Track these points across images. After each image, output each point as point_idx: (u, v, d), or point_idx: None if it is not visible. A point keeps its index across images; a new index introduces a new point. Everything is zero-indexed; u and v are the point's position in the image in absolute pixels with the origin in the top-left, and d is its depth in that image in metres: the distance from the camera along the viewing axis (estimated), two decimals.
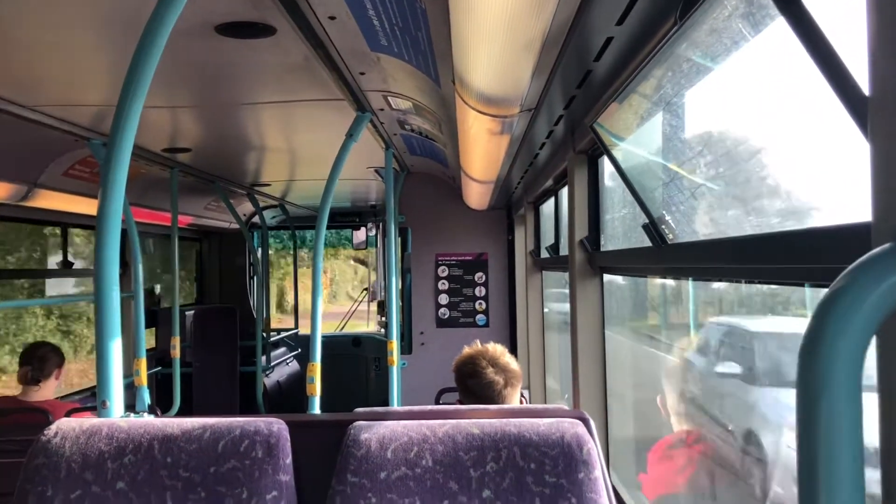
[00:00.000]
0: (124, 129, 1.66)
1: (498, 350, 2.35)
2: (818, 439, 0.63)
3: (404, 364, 6.20)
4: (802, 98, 1.32)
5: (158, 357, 6.37)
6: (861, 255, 0.67)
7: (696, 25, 1.44)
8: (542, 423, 1.52)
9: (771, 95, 1.59)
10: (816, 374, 0.64)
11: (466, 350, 2.38)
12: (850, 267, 0.66)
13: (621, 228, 2.95)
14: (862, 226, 0.89)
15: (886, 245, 0.68)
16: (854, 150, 0.90)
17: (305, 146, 4.53)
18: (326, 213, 3.33)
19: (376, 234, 7.84)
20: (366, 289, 9.41)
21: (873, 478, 0.76)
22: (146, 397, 4.14)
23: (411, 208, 6.32)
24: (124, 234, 5.08)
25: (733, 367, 2.65)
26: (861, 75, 0.89)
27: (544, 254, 5.08)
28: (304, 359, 5.45)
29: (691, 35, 1.51)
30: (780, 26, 1.10)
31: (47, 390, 3.66)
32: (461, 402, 2.32)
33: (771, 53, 1.42)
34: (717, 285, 2.57)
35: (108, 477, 1.48)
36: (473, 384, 2.26)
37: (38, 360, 3.61)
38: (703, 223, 2.05)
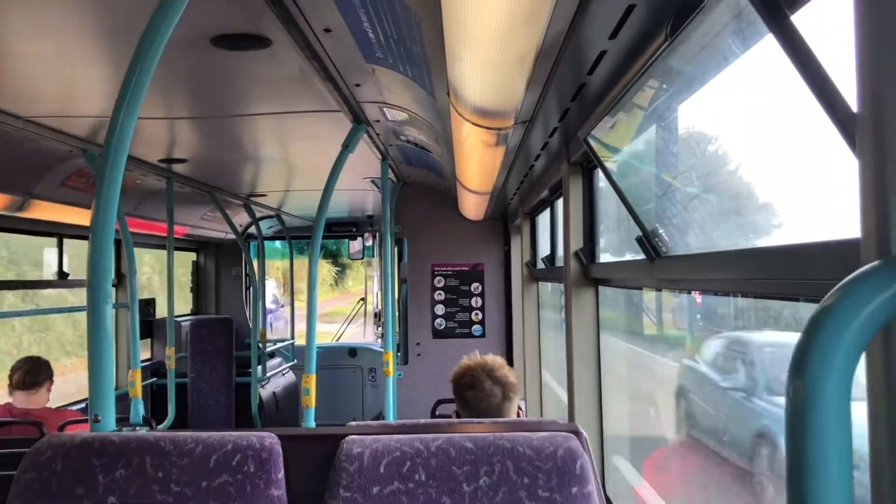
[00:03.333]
0: (119, 140, 1.66)
1: (497, 362, 2.33)
2: (807, 455, 0.63)
3: (400, 375, 6.18)
4: (791, 114, 1.33)
5: (154, 368, 6.35)
6: (850, 270, 0.67)
7: (687, 41, 1.45)
8: (536, 437, 1.52)
9: (760, 111, 1.60)
10: (806, 389, 0.64)
11: (464, 361, 2.36)
12: (840, 284, 0.66)
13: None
14: (851, 242, 0.90)
15: (875, 262, 0.68)
16: (843, 166, 0.91)
17: (301, 157, 4.53)
18: (322, 224, 3.33)
19: (373, 245, 7.84)
20: (362, 299, 9.39)
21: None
22: (141, 409, 4.13)
23: (407, 219, 6.33)
24: (119, 245, 5.10)
25: None
26: (849, 92, 0.89)
27: (540, 265, 5.08)
28: (300, 369, 5.44)
29: (682, 50, 1.52)
30: (769, 43, 1.10)
31: (41, 397, 3.69)
32: (458, 414, 2.31)
33: (760, 70, 1.43)
34: None
35: (100, 492, 1.47)
36: (471, 396, 2.25)
37: (33, 366, 3.73)
38: (695, 236, 2.05)
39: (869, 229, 0.80)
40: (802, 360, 0.64)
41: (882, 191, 0.78)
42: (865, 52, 0.81)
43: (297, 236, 8.05)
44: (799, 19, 1.02)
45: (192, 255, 7.78)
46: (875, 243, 0.78)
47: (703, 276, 1.75)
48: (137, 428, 4.14)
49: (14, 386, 3.66)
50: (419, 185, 6.15)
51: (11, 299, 7.88)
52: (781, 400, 0.66)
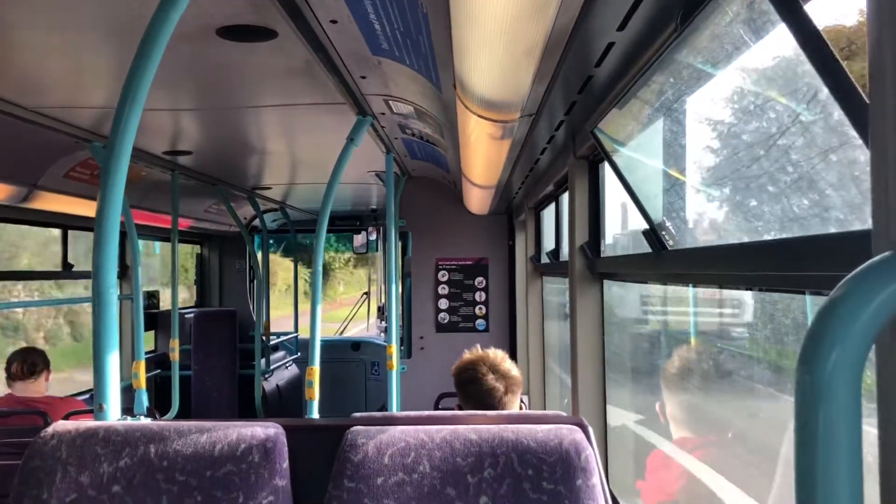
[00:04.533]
0: (124, 131, 1.66)
1: (499, 356, 2.33)
2: (816, 449, 0.62)
3: (404, 368, 6.19)
4: (804, 104, 1.32)
5: (158, 360, 6.37)
6: (862, 262, 0.66)
7: (697, 31, 1.44)
8: (541, 430, 1.51)
9: (772, 101, 1.59)
10: (815, 382, 0.63)
11: (466, 355, 2.36)
12: (850, 275, 0.65)
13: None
14: (862, 233, 0.89)
15: (886, 253, 0.68)
16: (855, 156, 0.90)
17: (306, 150, 4.53)
18: (327, 217, 3.33)
19: (377, 239, 7.84)
20: (365, 293, 9.39)
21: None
22: (144, 400, 4.14)
23: (412, 212, 6.32)
24: (124, 237, 5.10)
25: None
26: (862, 82, 0.89)
27: (545, 259, 5.08)
28: (304, 363, 5.46)
29: (692, 41, 1.51)
30: (781, 32, 1.09)
31: (40, 386, 3.71)
32: (460, 408, 2.30)
33: (772, 59, 1.42)
34: None
35: (104, 480, 1.47)
36: (473, 390, 2.25)
37: (30, 356, 3.76)
38: (703, 230, 2.04)
39: (881, 220, 0.80)
40: (812, 352, 0.64)
41: (894, 182, 0.77)
42: (878, 41, 0.80)
43: (301, 230, 8.05)
44: (812, 9, 1.01)
45: (197, 248, 7.80)
46: (887, 234, 0.78)
47: (710, 271, 1.74)
48: (141, 418, 4.14)
49: (13, 377, 3.68)
50: (424, 179, 6.15)
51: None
52: None
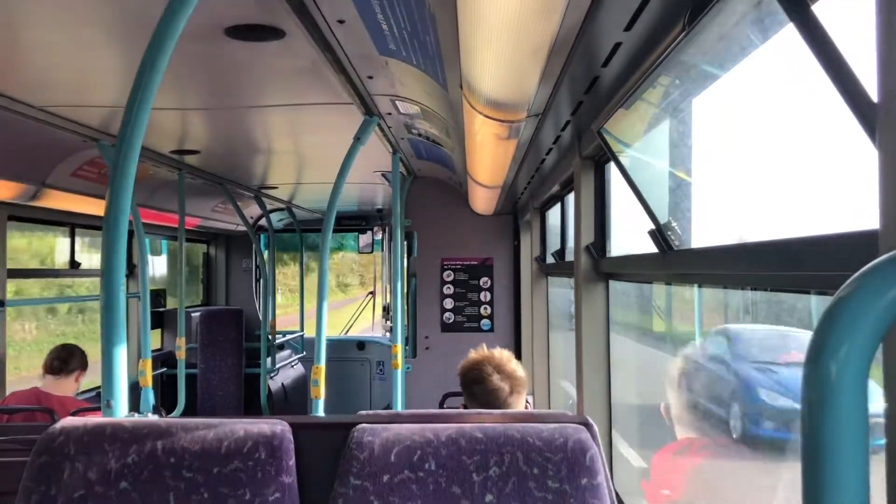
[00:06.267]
0: (133, 130, 1.67)
1: (504, 356, 2.33)
2: (823, 449, 0.62)
3: (409, 368, 6.19)
4: (811, 105, 1.32)
5: (164, 358, 6.39)
6: (868, 262, 0.66)
7: (705, 32, 1.44)
8: (546, 429, 1.51)
9: (780, 102, 1.59)
10: (821, 382, 0.63)
11: (472, 355, 2.36)
12: (856, 274, 0.65)
13: None
14: (869, 233, 0.89)
15: (894, 252, 0.68)
16: (862, 156, 0.90)
17: (313, 149, 4.54)
18: (333, 217, 3.34)
19: (382, 238, 7.85)
20: (371, 292, 9.40)
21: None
22: (151, 398, 4.15)
23: (417, 212, 6.33)
24: (131, 236, 5.12)
25: None
26: (870, 82, 0.89)
27: (550, 259, 5.08)
28: (309, 361, 5.45)
29: (699, 41, 1.51)
30: (789, 33, 1.09)
31: (68, 386, 3.70)
32: (465, 408, 2.31)
33: (780, 60, 1.42)
34: None
35: (112, 477, 1.48)
36: (479, 390, 2.25)
37: (66, 353, 3.73)
38: (709, 230, 2.04)
39: (888, 219, 0.80)
40: (818, 352, 0.64)
41: None
42: (887, 42, 0.80)
43: (307, 229, 8.07)
44: (819, 9, 1.02)
45: (203, 247, 7.82)
46: (893, 233, 0.78)
47: (715, 271, 1.74)
48: (148, 415, 4.15)
49: (44, 369, 3.69)
50: (430, 179, 6.15)
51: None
52: None
